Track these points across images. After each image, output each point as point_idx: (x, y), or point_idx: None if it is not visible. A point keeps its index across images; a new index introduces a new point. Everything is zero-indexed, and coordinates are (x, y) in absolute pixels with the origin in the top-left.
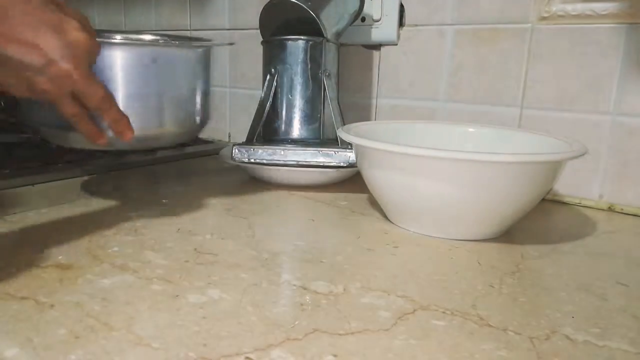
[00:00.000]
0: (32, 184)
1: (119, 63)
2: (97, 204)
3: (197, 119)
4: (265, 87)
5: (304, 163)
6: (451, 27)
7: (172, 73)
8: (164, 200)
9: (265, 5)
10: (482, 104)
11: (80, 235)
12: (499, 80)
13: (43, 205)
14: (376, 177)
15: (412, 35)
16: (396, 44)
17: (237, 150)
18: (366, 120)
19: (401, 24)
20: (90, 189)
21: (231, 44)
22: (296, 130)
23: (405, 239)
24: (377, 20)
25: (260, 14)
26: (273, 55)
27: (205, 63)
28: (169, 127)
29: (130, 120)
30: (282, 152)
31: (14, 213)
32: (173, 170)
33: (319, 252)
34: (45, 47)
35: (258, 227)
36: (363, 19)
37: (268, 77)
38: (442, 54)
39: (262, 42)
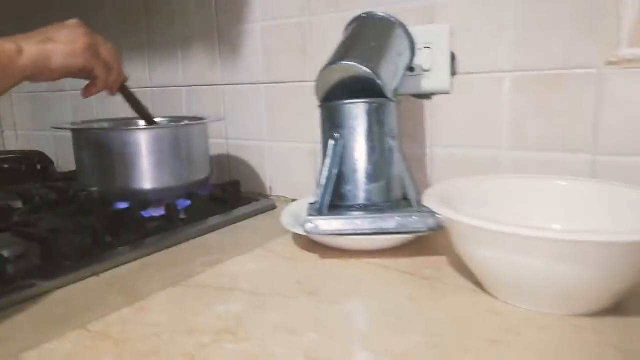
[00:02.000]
0: (97, 274)
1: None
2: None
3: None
4: (330, 154)
5: (383, 230)
6: (509, 74)
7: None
8: (231, 284)
9: (323, 69)
10: (550, 150)
11: None
12: (567, 126)
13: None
14: (482, 256)
15: (467, 83)
16: (449, 93)
17: (311, 225)
18: (421, 170)
19: (453, 72)
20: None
21: (221, 119)
22: (364, 195)
23: (522, 321)
24: (427, 70)
25: (318, 78)
26: (335, 119)
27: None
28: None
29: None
30: (359, 222)
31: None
32: (228, 239)
33: (447, 351)
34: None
35: (357, 316)
36: (412, 69)
37: (332, 143)
38: (501, 101)
39: (321, 106)
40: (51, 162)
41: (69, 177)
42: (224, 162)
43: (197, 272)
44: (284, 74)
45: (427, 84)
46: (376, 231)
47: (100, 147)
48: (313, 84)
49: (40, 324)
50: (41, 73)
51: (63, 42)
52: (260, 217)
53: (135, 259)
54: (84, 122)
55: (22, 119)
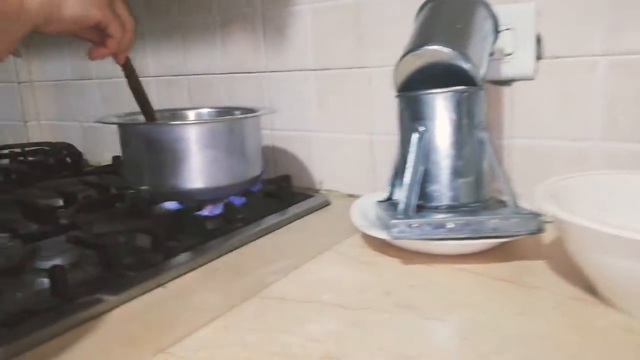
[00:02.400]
0: (162, 285)
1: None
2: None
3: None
4: (415, 149)
5: (479, 235)
6: (603, 57)
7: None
8: (314, 296)
9: (405, 55)
10: None
11: None
12: None
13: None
14: (612, 265)
15: (553, 68)
16: (532, 79)
17: (398, 229)
18: None
19: (538, 56)
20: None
21: (274, 111)
22: (452, 194)
23: None
24: (509, 54)
25: (397, 65)
26: (419, 110)
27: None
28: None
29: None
30: (452, 225)
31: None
32: (291, 241)
33: None
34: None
35: (470, 335)
36: (491, 54)
37: (416, 136)
38: (592, 88)
39: (400, 96)
40: (80, 155)
41: (102, 171)
42: (269, 155)
43: (270, 280)
44: (337, 59)
45: (508, 69)
46: (471, 235)
47: (150, 143)
48: (369, 69)
49: (113, 346)
50: (50, 21)
51: None
52: (316, 214)
53: (199, 266)
54: (128, 115)
55: (45, 108)
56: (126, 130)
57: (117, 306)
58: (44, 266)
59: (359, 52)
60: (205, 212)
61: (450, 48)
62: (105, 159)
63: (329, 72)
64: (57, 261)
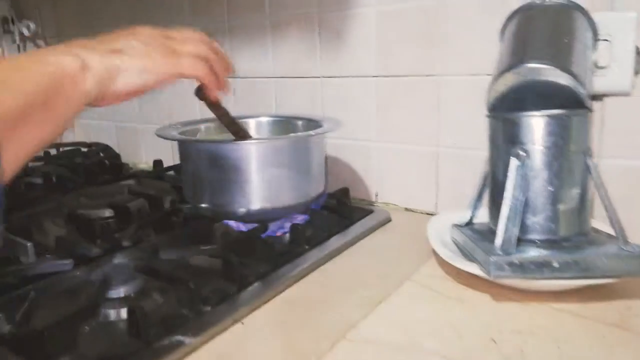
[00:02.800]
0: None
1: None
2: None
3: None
4: (514, 176)
5: (588, 275)
6: None
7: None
8: (410, 340)
9: (502, 73)
10: None
11: None
12: None
13: None
14: None
15: None
16: (629, 95)
17: (497, 267)
18: None
19: (637, 70)
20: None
21: (339, 126)
22: (554, 227)
23: None
24: (603, 67)
25: (492, 83)
26: (518, 134)
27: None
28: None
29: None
30: (557, 264)
31: None
32: (363, 267)
33: None
34: None
35: None
36: None
37: (516, 163)
38: None
39: (495, 117)
40: (118, 157)
41: (145, 175)
42: None
43: (356, 317)
44: (402, 66)
45: (601, 83)
46: (580, 275)
47: (213, 160)
48: (438, 77)
49: None
50: (105, 96)
51: (134, 55)
52: (379, 232)
53: (273, 297)
54: (187, 124)
55: None
56: (187, 147)
57: (198, 348)
58: (113, 295)
59: (428, 59)
60: (270, 232)
61: (557, 67)
62: (142, 160)
63: (392, 80)
64: (127, 290)
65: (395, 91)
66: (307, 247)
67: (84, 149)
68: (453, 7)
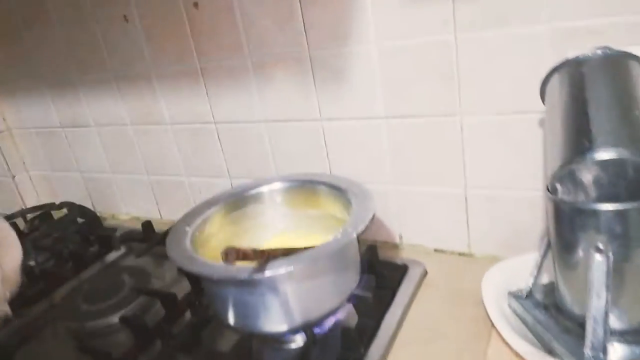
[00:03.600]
0: None
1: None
2: None
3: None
4: (599, 275)
5: None
6: None
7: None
8: None
9: (566, 165)
10: None
11: None
12: None
13: None
14: None
15: None
16: None
17: None
18: None
19: None
20: None
21: (371, 207)
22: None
23: None
24: None
25: (556, 171)
26: (599, 225)
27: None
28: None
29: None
30: None
31: None
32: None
33: None
34: None
35: None
36: None
37: (600, 259)
38: None
39: (563, 203)
40: (98, 219)
41: (135, 239)
42: None
43: None
44: (417, 105)
45: None
46: None
47: (246, 290)
48: (460, 117)
49: None
50: None
51: None
52: (423, 294)
53: None
54: (190, 216)
55: (33, 159)
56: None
57: None
58: None
59: (446, 98)
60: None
61: (636, 156)
62: (122, 211)
63: (405, 120)
64: None
65: (409, 132)
66: (362, 350)
67: (54, 212)
68: (472, 42)
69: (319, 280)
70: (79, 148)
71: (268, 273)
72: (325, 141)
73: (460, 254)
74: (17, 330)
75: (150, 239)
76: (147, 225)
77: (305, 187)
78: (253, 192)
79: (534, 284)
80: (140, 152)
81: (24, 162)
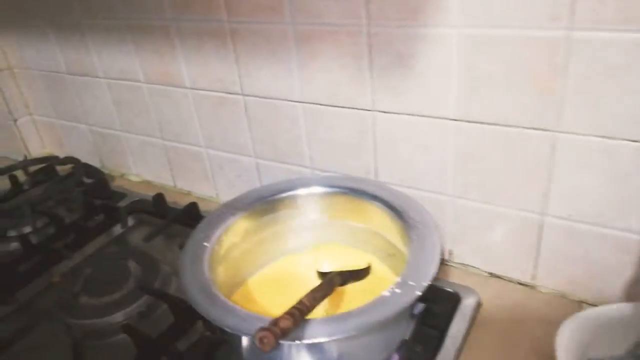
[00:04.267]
0: None
1: None
2: None
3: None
4: None
5: None
6: None
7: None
8: None
9: None
10: None
11: None
12: None
13: None
14: None
15: None
16: None
17: None
18: None
19: None
20: None
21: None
22: None
23: None
24: None
25: None
26: None
27: None
28: None
29: None
30: None
31: None
32: None
33: None
34: None
35: None
36: None
37: None
38: None
39: None
40: (105, 183)
41: (147, 211)
42: None
43: None
44: (498, 111)
45: None
46: None
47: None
48: (556, 134)
49: None
50: None
51: None
52: (477, 333)
53: None
54: (204, 233)
55: (37, 102)
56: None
57: None
58: None
59: (540, 107)
60: None
61: None
62: (131, 171)
63: (482, 127)
64: None
65: (484, 141)
66: None
67: (59, 168)
68: (590, 44)
69: (368, 339)
70: (87, 99)
71: (308, 341)
72: (374, 136)
73: (520, 284)
74: (13, 318)
75: (161, 213)
76: (159, 198)
77: (351, 195)
78: (286, 195)
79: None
80: (154, 114)
81: (26, 106)
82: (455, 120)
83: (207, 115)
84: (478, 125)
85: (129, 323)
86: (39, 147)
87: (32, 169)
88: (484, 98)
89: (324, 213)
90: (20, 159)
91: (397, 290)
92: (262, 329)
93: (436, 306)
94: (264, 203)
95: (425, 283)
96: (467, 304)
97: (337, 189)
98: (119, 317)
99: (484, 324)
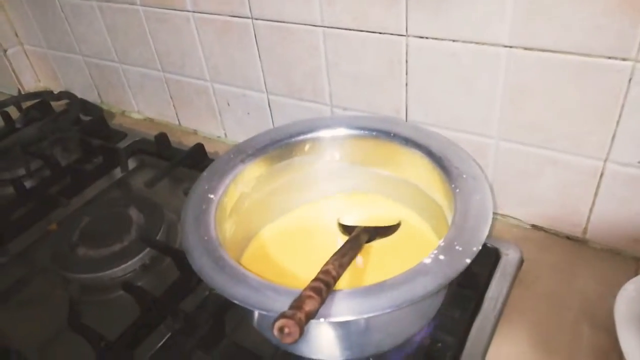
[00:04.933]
0: None
1: None
2: None
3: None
4: None
5: None
6: None
7: None
8: None
9: None
10: None
11: None
12: None
13: None
14: None
15: None
16: None
17: None
18: None
19: None
20: None
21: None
22: None
23: None
24: None
25: None
26: None
27: None
28: None
29: None
30: None
31: None
32: None
33: None
34: None
35: None
36: None
37: None
38: None
39: None
40: (103, 121)
41: (149, 152)
42: None
43: None
44: (563, 37)
45: None
46: None
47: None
48: (632, 64)
49: None
50: None
51: None
52: (519, 296)
53: None
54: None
55: (26, 30)
56: None
57: None
58: None
59: (617, 34)
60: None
61: None
62: (133, 109)
63: (542, 55)
64: None
65: (542, 73)
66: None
67: (54, 104)
68: None
69: (401, 312)
70: (78, 25)
71: (335, 319)
72: (407, 66)
73: (569, 238)
74: (6, 271)
75: (165, 155)
76: (162, 138)
77: (379, 139)
78: (303, 138)
79: None
80: (153, 43)
81: (16, 34)
82: (508, 47)
83: (211, 43)
84: (537, 53)
85: (129, 280)
86: (33, 81)
87: (27, 105)
88: (548, 19)
89: (348, 159)
90: (15, 94)
91: (441, 257)
92: (284, 315)
93: (473, 264)
94: (279, 147)
95: (476, 248)
96: (508, 260)
97: (364, 131)
98: (119, 271)
99: (527, 283)
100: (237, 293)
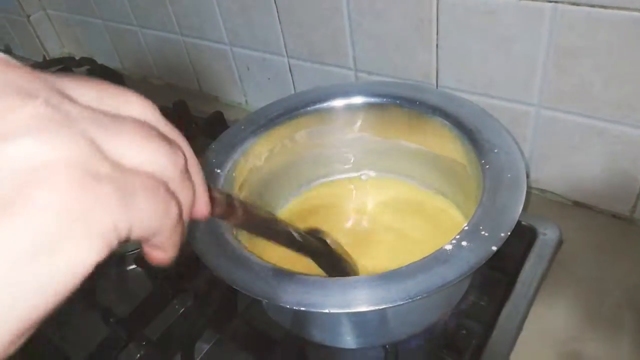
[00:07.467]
0: None
1: None
2: None
3: None
4: None
5: None
6: None
7: None
8: None
9: None
10: None
11: None
12: None
13: None
14: None
15: None
16: None
17: None
18: None
19: None
20: None
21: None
22: None
23: None
24: None
25: None
26: None
27: None
28: None
29: None
30: None
31: None
32: None
33: None
34: None
35: None
36: None
37: None
38: None
39: None
40: (120, 80)
41: None
42: None
43: None
44: None
45: None
46: None
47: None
48: None
49: None
50: None
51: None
52: (555, 280)
53: None
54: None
55: None
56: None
57: None
58: None
59: None
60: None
61: None
62: (154, 74)
63: (593, 11)
64: None
65: (591, 31)
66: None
67: (76, 70)
68: None
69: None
70: None
71: (349, 310)
72: (437, 26)
73: (615, 217)
74: None
75: (183, 124)
76: (181, 105)
77: (404, 108)
78: (320, 107)
79: None
80: (170, 5)
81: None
82: (554, 1)
83: (229, 4)
84: (586, 9)
85: (142, 255)
86: (57, 47)
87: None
88: None
89: (369, 130)
90: (40, 60)
91: (464, 243)
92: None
93: (505, 243)
94: (293, 117)
95: (504, 234)
96: (546, 240)
97: (387, 99)
98: (131, 245)
99: (565, 265)
100: (237, 278)
